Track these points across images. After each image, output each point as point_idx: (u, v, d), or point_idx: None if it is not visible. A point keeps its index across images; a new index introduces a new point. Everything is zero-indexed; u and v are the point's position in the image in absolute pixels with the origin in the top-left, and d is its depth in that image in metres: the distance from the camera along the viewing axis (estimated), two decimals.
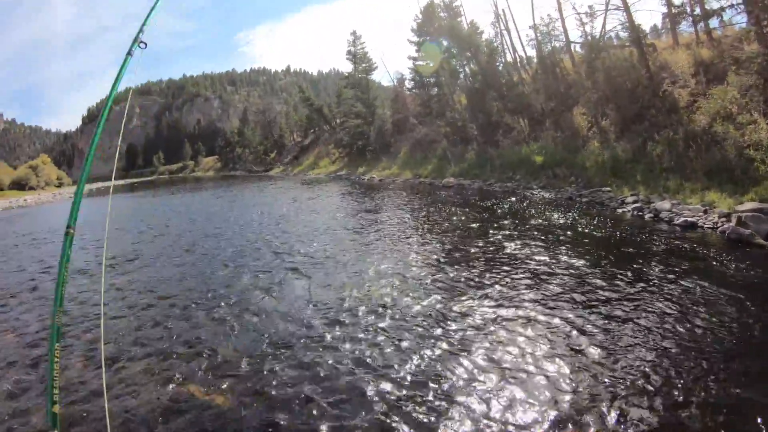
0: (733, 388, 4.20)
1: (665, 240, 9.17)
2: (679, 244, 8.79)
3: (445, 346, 5.62)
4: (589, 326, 5.65)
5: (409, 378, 5.00)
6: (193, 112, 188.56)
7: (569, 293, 6.76)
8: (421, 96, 37.67)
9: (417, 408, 4.45)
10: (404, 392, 4.74)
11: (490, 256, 9.22)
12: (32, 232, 21.45)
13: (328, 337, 6.24)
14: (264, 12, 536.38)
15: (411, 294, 7.57)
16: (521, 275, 7.76)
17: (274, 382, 5.17)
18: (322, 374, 5.25)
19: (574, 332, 5.54)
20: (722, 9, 15.52)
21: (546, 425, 3.98)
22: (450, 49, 32.88)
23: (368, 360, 5.49)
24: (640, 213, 11.62)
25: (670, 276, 7.05)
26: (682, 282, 6.76)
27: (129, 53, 3.00)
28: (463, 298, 7.10)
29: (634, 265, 7.70)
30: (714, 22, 16.51)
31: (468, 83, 31.20)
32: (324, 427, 4.31)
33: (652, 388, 4.29)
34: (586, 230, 10.59)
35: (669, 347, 4.99)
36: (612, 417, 3.96)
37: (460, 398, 4.53)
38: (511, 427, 4.03)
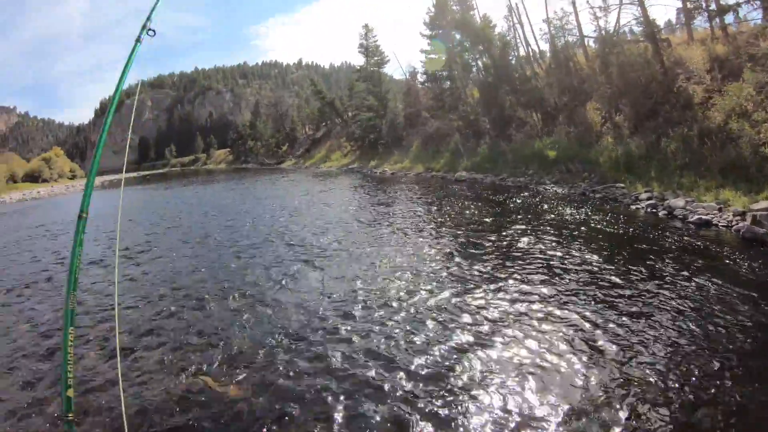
0: (747, 387, 4.21)
1: (679, 238, 9.14)
2: (693, 242, 8.77)
3: (459, 339, 5.65)
4: (603, 322, 5.68)
5: (423, 371, 5.02)
6: (205, 105, 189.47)
7: (583, 289, 6.80)
8: (433, 89, 37.55)
9: (432, 401, 4.47)
10: (419, 385, 4.75)
11: (504, 250, 9.26)
12: (45, 224, 21.79)
13: (342, 329, 6.30)
14: (275, 5, 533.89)
15: (424, 287, 7.61)
16: (535, 270, 7.80)
17: (287, 374, 5.20)
18: (335, 366, 5.28)
19: (589, 328, 5.57)
20: (738, 5, 15.46)
21: (561, 419, 4.02)
22: (462, 42, 32.81)
23: (382, 352, 5.51)
24: (654, 210, 11.58)
25: (684, 274, 7.05)
26: (696, 280, 6.76)
27: (138, 40, 3.02)
28: (477, 292, 7.14)
29: (648, 262, 7.68)
30: (729, 18, 16.33)
31: (481, 77, 31.11)
32: (338, 419, 4.35)
33: (665, 386, 4.31)
34: (600, 226, 10.64)
35: (682, 344, 5.02)
36: (626, 413, 3.99)
37: (476, 392, 4.54)
38: (526, 421, 4.05)
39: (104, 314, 7.54)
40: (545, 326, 5.74)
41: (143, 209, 24.20)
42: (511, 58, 28.65)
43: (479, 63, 32.08)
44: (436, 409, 4.35)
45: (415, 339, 5.80)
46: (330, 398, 4.67)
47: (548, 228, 10.79)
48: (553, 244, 9.34)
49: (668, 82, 15.43)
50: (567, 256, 8.41)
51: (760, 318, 5.50)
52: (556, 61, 24.38)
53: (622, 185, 14.15)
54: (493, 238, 10.27)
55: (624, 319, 5.75)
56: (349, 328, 6.30)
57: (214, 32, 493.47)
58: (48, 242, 16.17)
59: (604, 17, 21.78)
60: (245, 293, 8.14)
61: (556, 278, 7.34)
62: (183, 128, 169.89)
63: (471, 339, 5.64)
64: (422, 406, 4.42)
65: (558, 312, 6.10)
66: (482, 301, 6.75)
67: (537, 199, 15.15)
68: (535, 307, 6.35)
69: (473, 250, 9.54)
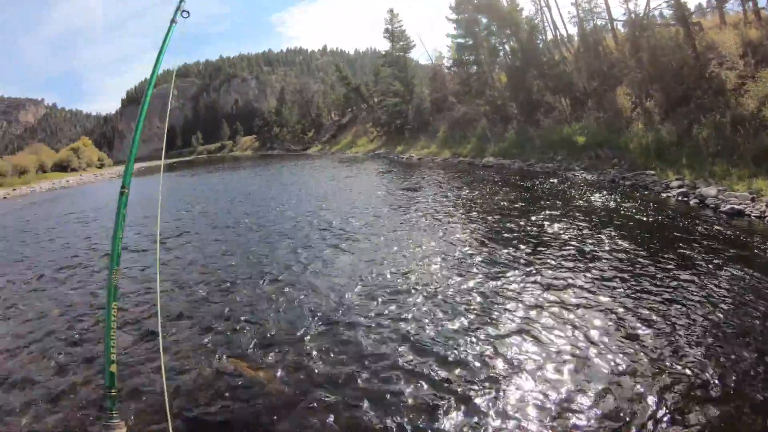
0: None
1: (711, 227, 9.04)
2: (725, 232, 8.65)
3: (491, 325, 5.65)
4: (637, 310, 5.66)
5: (454, 357, 5.01)
6: (230, 92, 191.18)
7: (616, 276, 6.78)
8: (459, 74, 37.46)
9: (463, 388, 4.46)
10: (451, 371, 4.75)
11: (535, 236, 9.29)
12: (75, 211, 22.19)
13: (372, 314, 6.31)
14: None
15: (455, 272, 7.64)
16: (567, 256, 7.82)
17: (317, 358, 5.24)
18: (366, 351, 5.31)
19: (623, 316, 5.54)
20: None
21: (595, 407, 4.02)
22: (489, 26, 32.62)
23: (413, 337, 5.52)
24: (685, 198, 11.47)
25: (716, 263, 6.99)
26: (729, 270, 6.67)
27: (173, 21, 3.04)
28: (509, 277, 7.15)
29: (680, 251, 7.66)
30: (762, 2, 16.06)
31: (508, 61, 30.94)
32: (368, 404, 4.34)
33: (701, 376, 4.28)
34: (630, 213, 10.57)
35: (717, 334, 4.99)
36: (661, 404, 3.97)
37: (509, 379, 4.54)
38: (559, 411, 4.03)
39: (139, 298, 7.78)
40: (579, 313, 5.74)
41: (171, 196, 24.54)
42: (538, 41, 28.42)
43: (506, 47, 31.87)
44: (467, 395, 4.35)
45: (446, 324, 5.81)
46: (360, 383, 4.69)
47: (578, 214, 10.80)
48: (584, 230, 9.35)
49: (700, 67, 15.23)
50: (598, 243, 8.42)
51: None
52: (585, 45, 24.16)
53: (653, 172, 14.02)
54: (523, 224, 10.33)
55: (657, 307, 5.73)
56: (379, 312, 6.35)
57: (238, 20, 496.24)
58: (78, 229, 16.54)
59: (634, 0, 21.51)
60: (275, 277, 8.26)
61: (588, 265, 7.33)
62: (209, 116, 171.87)
63: (504, 325, 5.66)
64: (454, 392, 4.42)
65: (591, 299, 6.09)
66: (514, 287, 6.76)
67: (566, 186, 15.13)
68: (568, 293, 6.34)
69: (503, 236, 9.57)
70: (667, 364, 4.55)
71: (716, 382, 4.21)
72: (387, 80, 47.78)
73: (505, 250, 8.53)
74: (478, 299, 6.50)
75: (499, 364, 4.84)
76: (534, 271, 7.32)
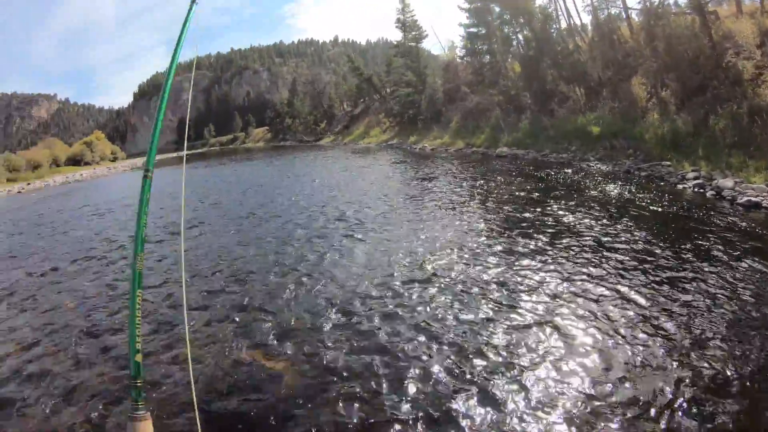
0: None
1: (728, 219, 8.96)
2: (742, 225, 8.56)
3: (508, 316, 5.67)
4: (655, 302, 5.66)
5: (471, 348, 5.02)
6: (242, 84, 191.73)
7: (633, 267, 6.79)
8: (473, 64, 37.31)
9: (481, 379, 4.46)
10: (467, 362, 4.76)
11: (550, 226, 9.33)
12: (88, 204, 22.71)
13: (388, 304, 6.35)
14: None
15: (471, 262, 7.68)
16: (583, 247, 7.85)
17: (334, 350, 5.26)
18: (382, 342, 5.35)
19: (642, 308, 5.54)
20: None
21: (616, 398, 4.03)
22: (502, 15, 32.43)
23: (429, 328, 5.54)
24: (702, 190, 11.41)
25: (734, 255, 6.96)
26: (746, 262, 6.64)
27: (194, 1, 2.93)
28: (525, 268, 7.18)
29: (697, 242, 7.65)
30: None
31: (521, 51, 30.79)
32: (384, 395, 4.37)
33: (718, 370, 4.27)
34: (645, 204, 10.58)
35: (733, 328, 4.95)
36: (683, 397, 3.95)
37: (526, 370, 4.54)
38: (578, 401, 4.04)
39: (157, 289, 7.90)
40: (598, 303, 5.76)
41: (185, 187, 24.49)
42: (552, 30, 28.27)
43: (519, 36, 31.68)
44: (487, 386, 4.36)
45: (465, 314, 5.84)
46: (378, 374, 4.71)
47: (594, 205, 10.84)
48: (600, 221, 9.39)
49: (716, 56, 15.09)
50: (615, 234, 8.45)
51: None
52: (600, 34, 23.99)
53: (668, 163, 13.96)
54: (539, 214, 10.38)
55: (676, 297, 5.75)
56: (396, 303, 6.38)
57: (247, 13, 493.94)
58: (92, 222, 16.96)
59: None
60: (290, 267, 8.35)
61: (606, 255, 7.35)
62: (221, 108, 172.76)
63: (522, 315, 5.68)
64: (473, 382, 4.43)
65: (610, 289, 6.12)
66: (532, 277, 6.80)
67: (581, 176, 15.12)
68: (586, 284, 6.36)
69: (520, 226, 9.62)
70: (687, 356, 4.54)
71: (736, 375, 4.20)
72: (399, 70, 47.68)
73: (522, 240, 8.59)
74: (496, 289, 6.55)
75: (519, 354, 4.85)
76: (551, 261, 7.39)
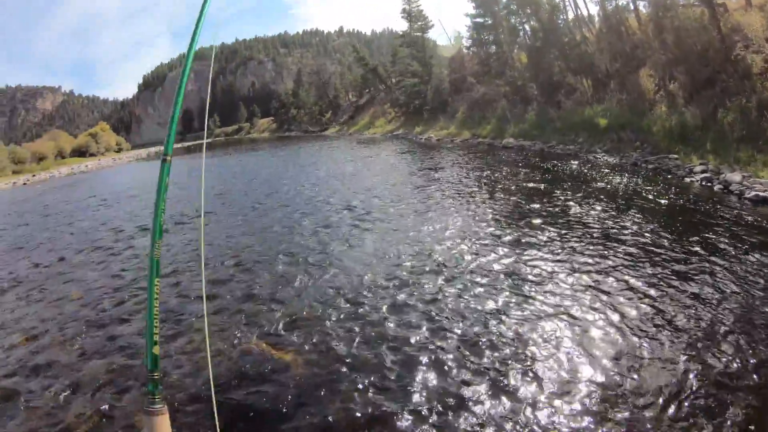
0: None
1: (736, 213, 8.91)
2: (750, 219, 8.51)
3: (519, 307, 5.67)
4: (664, 294, 5.66)
5: (479, 339, 5.02)
6: (246, 75, 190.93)
7: (641, 261, 6.78)
8: (479, 54, 37.16)
9: (488, 371, 4.47)
10: (475, 354, 4.76)
11: (557, 218, 9.36)
12: (94, 195, 22.90)
13: (396, 294, 6.35)
14: None
15: (478, 253, 7.70)
16: (591, 239, 7.87)
17: (342, 341, 5.26)
18: (390, 333, 5.36)
19: (650, 301, 5.53)
20: None
21: (626, 392, 4.03)
22: (509, 5, 32.26)
23: (436, 319, 5.55)
24: (709, 184, 11.32)
25: (743, 248, 6.96)
26: (755, 256, 6.62)
27: None
28: (534, 259, 7.20)
29: (704, 236, 7.62)
30: None
31: (528, 41, 30.67)
32: (393, 389, 4.37)
33: (728, 363, 4.27)
34: (652, 196, 10.59)
35: (742, 322, 4.94)
36: (695, 393, 3.95)
37: (534, 361, 4.55)
38: (589, 394, 4.05)
39: (163, 280, 7.81)
40: (607, 295, 5.77)
41: (190, 177, 24.86)
42: (559, 21, 28.07)
43: (526, 27, 31.53)
44: (497, 378, 4.36)
45: (472, 305, 5.84)
46: (386, 366, 4.71)
47: (601, 196, 10.89)
48: (608, 213, 9.43)
49: (725, 49, 14.97)
50: (622, 226, 8.46)
51: None
52: (607, 25, 23.81)
53: (676, 156, 13.92)
54: (545, 206, 10.42)
55: (684, 290, 5.75)
56: (404, 292, 6.41)
57: (252, 3, 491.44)
58: (98, 213, 17.09)
59: None
60: (298, 258, 8.37)
61: (613, 247, 7.37)
62: (226, 99, 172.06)
63: (532, 307, 5.68)
64: (482, 374, 4.44)
65: (618, 281, 6.13)
66: (541, 268, 6.83)
67: (588, 168, 15.13)
68: (594, 276, 6.38)
69: (526, 217, 9.69)
70: (696, 348, 4.56)
71: (744, 367, 4.21)
72: (405, 61, 47.67)
73: (530, 231, 8.67)
74: (505, 279, 6.59)
75: (529, 346, 4.85)
76: (559, 251, 7.47)
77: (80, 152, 69.77)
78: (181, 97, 2.20)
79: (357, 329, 5.55)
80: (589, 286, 6.12)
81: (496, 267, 7.10)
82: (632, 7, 23.40)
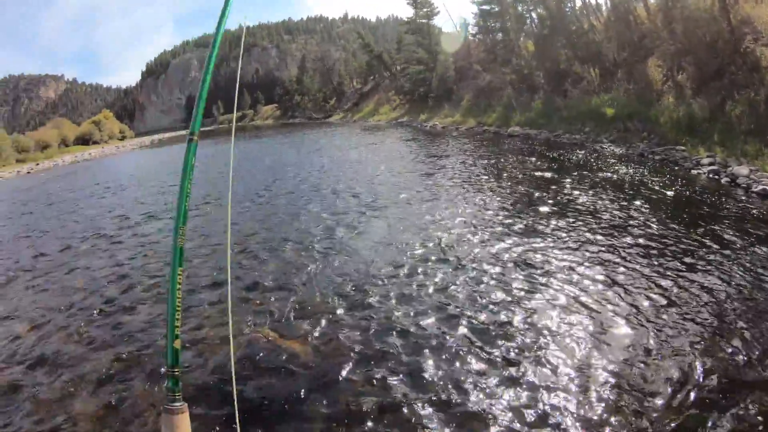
0: None
1: (742, 207, 8.87)
2: (757, 212, 8.47)
3: (528, 297, 5.68)
4: (671, 286, 5.65)
5: (487, 329, 5.04)
6: (250, 62, 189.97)
7: (648, 252, 6.79)
8: (485, 42, 36.92)
9: (497, 361, 4.47)
10: (481, 344, 4.75)
11: (563, 207, 9.39)
12: (98, 183, 23.04)
13: (404, 284, 6.35)
14: None
15: (488, 242, 7.71)
16: (598, 229, 7.89)
17: (350, 330, 5.26)
18: (396, 322, 5.36)
19: (658, 292, 5.53)
20: None
21: (637, 384, 4.03)
22: None
23: (444, 307, 5.55)
24: (716, 176, 11.22)
25: (750, 241, 6.92)
26: (763, 249, 6.60)
27: None
28: (542, 249, 7.20)
29: (711, 228, 7.61)
30: None
31: (535, 29, 30.46)
32: (401, 379, 4.35)
33: (735, 357, 4.26)
34: (658, 188, 10.57)
35: (751, 314, 4.94)
36: (700, 386, 3.94)
37: (543, 352, 4.55)
38: (600, 385, 4.04)
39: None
40: (613, 287, 5.77)
41: (196, 165, 24.78)
42: (567, 9, 27.83)
43: (533, 14, 31.27)
44: (507, 369, 4.36)
45: (483, 295, 5.83)
46: (395, 356, 4.70)
47: (608, 187, 10.90)
48: (615, 203, 9.43)
49: (735, 41, 14.83)
50: (629, 217, 8.46)
51: None
52: (615, 14, 23.59)
53: (683, 148, 13.86)
54: (553, 195, 10.46)
55: (692, 282, 5.74)
56: (412, 282, 6.41)
57: None
58: (102, 201, 17.22)
59: None
60: (305, 246, 8.37)
61: (620, 238, 7.39)
62: (229, 86, 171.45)
63: (541, 297, 5.67)
64: (492, 364, 4.45)
65: (625, 273, 6.14)
66: (547, 258, 6.82)
67: (594, 158, 15.11)
68: (600, 266, 6.41)
69: (533, 206, 9.71)
70: (705, 340, 4.56)
71: (753, 360, 4.21)
72: (410, 48, 47.41)
73: (536, 220, 8.70)
74: (513, 269, 6.59)
75: (540, 335, 4.85)
76: (567, 240, 7.51)
77: (84, 140, 69.94)
78: (210, 75, 2.12)
79: (364, 318, 5.56)
80: (598, 276, 6.14)
81: (505, 256, 7.12)
82: None
